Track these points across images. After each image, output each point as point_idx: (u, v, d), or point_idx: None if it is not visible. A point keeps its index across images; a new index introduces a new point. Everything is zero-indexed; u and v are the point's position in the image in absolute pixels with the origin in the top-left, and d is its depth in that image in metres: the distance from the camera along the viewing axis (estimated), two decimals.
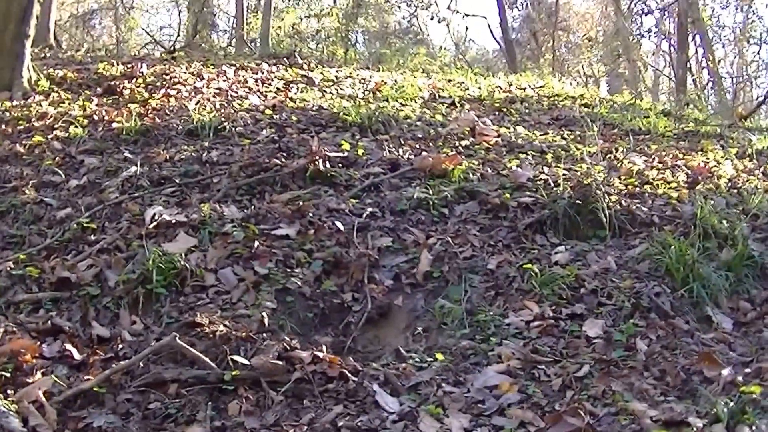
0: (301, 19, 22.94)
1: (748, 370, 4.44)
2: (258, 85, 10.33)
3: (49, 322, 4.93)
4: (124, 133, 7.77)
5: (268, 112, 8.60)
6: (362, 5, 23.00)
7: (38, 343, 4.66)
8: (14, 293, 5.25)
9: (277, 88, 10.17)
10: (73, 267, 5.45)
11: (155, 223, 5.89)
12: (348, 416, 4.07)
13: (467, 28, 45.40)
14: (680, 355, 4.59)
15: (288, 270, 5.44)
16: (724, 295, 5.27)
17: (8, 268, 5.42)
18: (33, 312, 5.10)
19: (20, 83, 9.38)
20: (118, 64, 11.17)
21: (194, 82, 10.15)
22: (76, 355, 4.61)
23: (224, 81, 10.39)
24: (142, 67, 10.84)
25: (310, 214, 6.01)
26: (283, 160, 6.95)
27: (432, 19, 23.57)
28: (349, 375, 4.36)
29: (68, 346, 4.65)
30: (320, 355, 4.45)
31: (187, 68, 11.13)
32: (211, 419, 4.07)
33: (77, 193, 6.64)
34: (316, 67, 12.33)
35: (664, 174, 7.18)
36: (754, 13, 25.12)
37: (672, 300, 5.13)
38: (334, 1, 25.31)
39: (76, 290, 5.26)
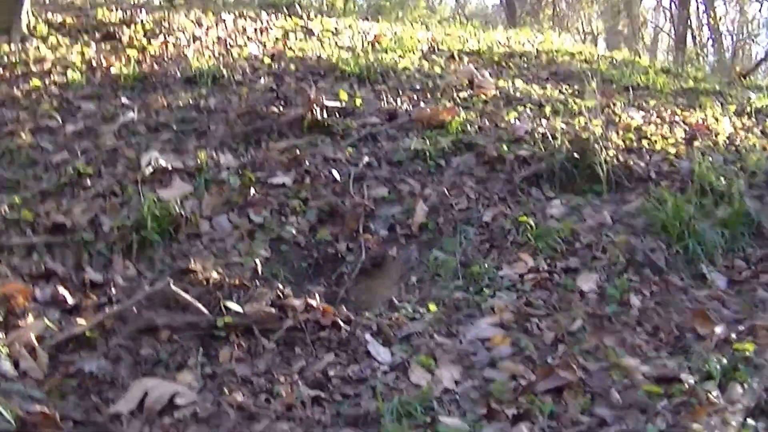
0: None
1: (741, 328, 4.39)
2: (257, 34, 10.19)
3: (43, 266, 4.89)
4: (122, 79, 7.65)
5: (266, 60, 8.47)
6: None
7: (31, 286, 4.62)
8: (8, 237, 5.18)
9: (276, 38, 10.03)
10: (67, 212, 5.40)
11: (151, 170, 5.82)
12: (339, 365, 4.05)
13: None
14: (674, 312, 4.54)
15: (283, 219, 5.38)
16: (720, 253, 5.18)
17: (3, 212, 5.35)
18: (26, 256, 5.05)
19: (19, 27, 9.23)
20: (117, 11, 11.01)
21: (193, 30, 10.01)
22: (69, 300, 4.57)
23: (223, 29, 10.25)
24: (141, 13, 10.69)
25: (307, 163, 5.94)
26: (281, 108, 6.86)
27: None
28: (342, 324, 4.32)
29: (61, 291, 4.62)
30: (313, 303, 4.41)
31: (186, 16, 10.97)
32: (201, 366, 4.04)
33: (74, 138, 6.55)
34: (316, 17, 12.17)
35: (662, 129, 7.08)
36: None
37: (667, 256, 5.05)
38: None
39: (70, 235, 5.21)
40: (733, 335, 4.26)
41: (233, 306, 4.33)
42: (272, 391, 3.87)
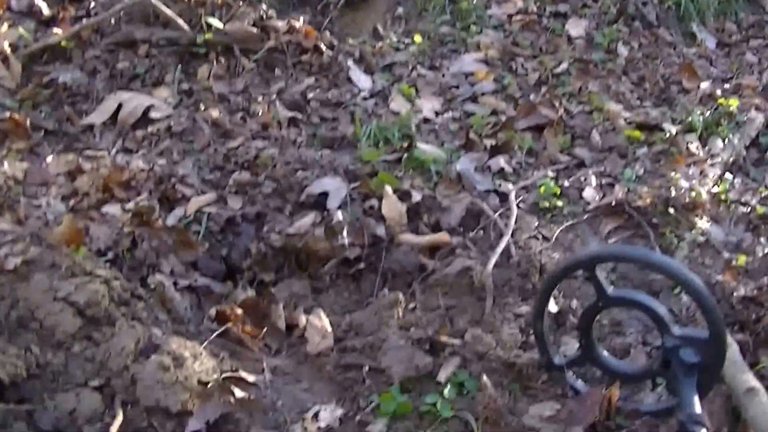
0: None
1: (727, 86, 4.23)
2: None
3: None
4: None
5: None
6: None
7: None
8: None
9: None
10: None
11: None
12: (318, 89, 3.84)
13: None
14: (661, 65, 4.34)
15: None
16: (712, 14, 4.93)
17: None
18: None
19: None
20: None
21: None
22: (45, 11, 4.22)
23: None
24: None
25: None
26: None
27: None
28: (324, 49, 4.05)
29: (37, 1, 4.26)
30: (296, 25, 4.09)
31: None
32: (179, 82, 3.80)
33: None
34: None
35: None
36: None
37: (658, 12, 4.78)
38: None
39: None
40: (719, 92, 4.09)
41: (215, 23, 3.99)
42: (249, 110, 3.66)
